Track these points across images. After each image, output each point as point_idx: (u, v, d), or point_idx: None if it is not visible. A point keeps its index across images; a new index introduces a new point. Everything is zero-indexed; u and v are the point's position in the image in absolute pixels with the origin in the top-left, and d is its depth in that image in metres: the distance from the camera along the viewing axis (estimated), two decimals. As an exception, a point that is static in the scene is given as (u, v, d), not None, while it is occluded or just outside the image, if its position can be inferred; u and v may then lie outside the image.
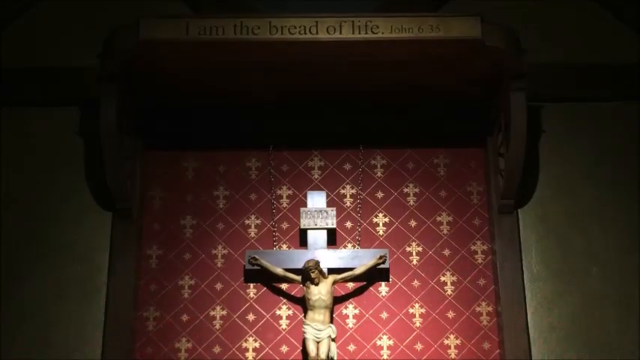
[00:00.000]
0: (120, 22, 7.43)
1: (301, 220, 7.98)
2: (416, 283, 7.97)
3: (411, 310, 7.88)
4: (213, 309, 7.89)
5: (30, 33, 8.56)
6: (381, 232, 8.15)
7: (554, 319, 7.72)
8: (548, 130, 8.31)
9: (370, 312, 7.88)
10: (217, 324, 7.83)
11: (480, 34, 7.24)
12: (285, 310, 7.89)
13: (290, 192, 8.29)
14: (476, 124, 8.35)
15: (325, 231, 7.96)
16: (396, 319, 7.86)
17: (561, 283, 7.84)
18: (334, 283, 7.65)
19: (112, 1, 8.55)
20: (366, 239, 8.12)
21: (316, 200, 8.09)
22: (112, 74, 7.41)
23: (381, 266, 7.82)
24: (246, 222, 8.19)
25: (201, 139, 8.40)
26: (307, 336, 7.45)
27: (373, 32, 7.26)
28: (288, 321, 7.85)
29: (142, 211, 8.18)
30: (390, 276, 7.99)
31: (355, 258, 7.84)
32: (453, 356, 7.73)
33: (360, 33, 7.26)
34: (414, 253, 8.07)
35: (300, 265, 7.66)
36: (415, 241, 8.11)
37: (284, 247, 8.10)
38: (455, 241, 8.12)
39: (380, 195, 8.28)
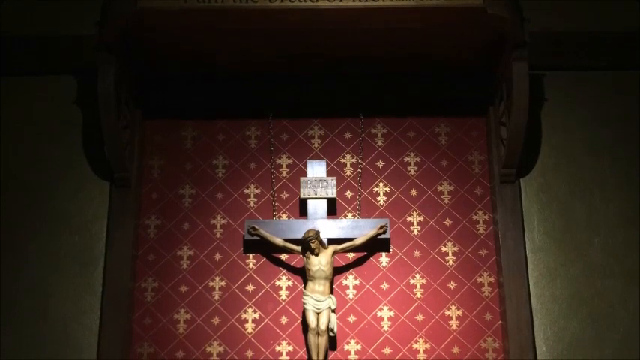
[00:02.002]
0: (118, -11, 7.27)
1: (301, 190, 7.85)
2: (417, 253, 7.85)
3: (412, 281, 7.76)
4: (212, 279, 7.78)
5: (27, 1, 8.39)
6: (381, 202, 8.00)
7: (556, 289, 7.61)
8: (550, 99, 8.16)
9: (371, 282, 7.77)
10: (216, 295, 7.72)
11: (482, 2, 7.10)
12: (284, 281, 7.78)
13: (290, 161, 8.16)
14: (477, 93, 8.21)
15: (325, 201, 7.85)
16: (396, 290, 7.74)
17: (563, 253, 7.72)
18: (334, 253, 7.56)
19: (110, -31, 8.34)
20: (366, 209, 7.99)
21: (316, 169, 7.95)
22: (110, 43, 7.30)
23: (382, 236, 7.70)
24: (246, 191, 8.06)
25: (200, 108, 8.28)
26: (307, 307, 7.36)
27: (374, 0, 7.08)
28: (287, 292, 7.75)
29: (141, 180, 8.06)
30: (391, 246, 7.87)
31: (355, 228, 7.73)
32: (454, 327, 7.64)
33: (360, 1, 7.12)
34: (415, 223, 7.94)
35: (299, 235, 7.56)
36: (416, 211, 7.97)
37: (284, 217, 7.97)
38: (456, 211, 7.98)
39: (380, 164, 8.14)
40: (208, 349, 7.56)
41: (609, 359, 7.40)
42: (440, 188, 8.04)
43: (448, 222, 7.93)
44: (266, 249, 7.77)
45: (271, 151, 8.14)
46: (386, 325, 7.62)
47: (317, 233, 7.48)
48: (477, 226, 7.92)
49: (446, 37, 7.64)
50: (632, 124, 8.11)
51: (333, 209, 7.90)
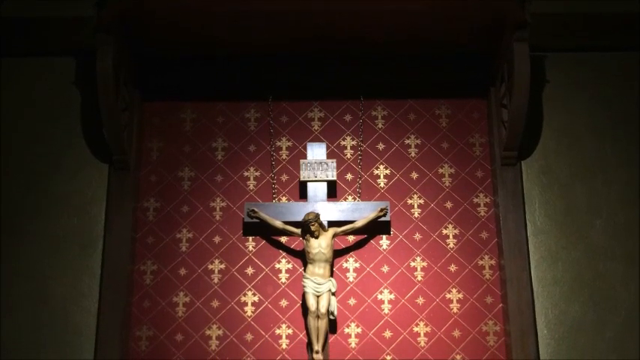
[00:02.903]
0: (117, -30, 7.16)
1: (301, 172, 7.76)
2: (417, 236, 7.77)
3: (412, 264, 7.68)
4: (212, 262, 7.70)
5: (26, -18, 8.30)
6: (382, 185, 7.91)
7: (558, 272, 7.54)
8: (552, 81, 8.06)
9: (371, 265, 7.69)
10: (216, 278, 7.65)
11: (483, -17, 7.02)
12: (284, 264, 7.70)
13: (289, 143, 8.07)
14: (478, 75, 8.11)
15: (325, 183, 7.76)
16: (397, 273, 7.66)
17: (565, 235, 7.64)
18: (334, 236, 7.49)
19: (109, -50, 8.23)
20: (366, 191, 7.90)
21: (316, 152, 7.86)
22: (109, 24, 7.21)
23: (382, 219, 7.63)
24: (245, 174, 7.97)
25: (200, 90, 8.19)
26: (307, 290, 7.29)
27: (374, -18, 7.00)
28: (287, 275, 7.67)
29: (139, 163, 7.98)
30: (391, 229, 7.78)
31: (356, 210, 7.65)
32: (455, 310, 7.57)
33: (360, -18, 7.01)
34: (415, 206, 7.85)
35: (299, 218, 7.48)
36: (417, 194, 7.89)
37: (283, 199, 7.89)
38: (457, 194, 7.90)
39: (381, 146, 8.04)
40: (208, 332, 7.49)
41: (611, 342, 7.32)
42: (440, 170, 7.95)
43: (449, 204, 7.84)
44: (266, 232, 7.68)
45: (271, 134, 8.04)
46: (386, 308, 7.55)
47: (317, 216, 7.40)
48: (478, 208, 7.83)
49: (446, 18, 7.54)
50: (634, 105, 8.02)
51: (333, 192, 7.81)
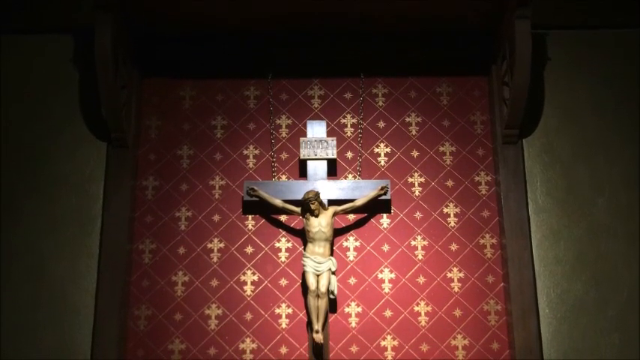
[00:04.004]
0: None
1: (301, 151, 7.65)
2: (418, 214, 7.66)
3: (413, 243, 7.58)
4: (211, 241, 7.60)
5: (25, -41, 8.15)
6: (382, 163, 7.80)
7: (560, 251, 7.43)
8: (553, 59, 7.94)
9: (371, 244, 7.59)
10: (215, 257, 7.55)
11: (485, -41, 6.91)
12: (284, 243, 7.60)
13: (289, 121, 7.95)
14: (479, 53, 8.03)
15: (325, 161, 7.66)
16: (397, 252, 7.57)
17: (566, 214, 7.53)
18: (334, 214, 7.40)
19: None
20: (367, 170, 7.79)
21: (316, 130, 7.75)
22: (108, 1, 7.12)
23: (383, 197, 7.54)
24: (245, 152, 7.85)
25: (199, 68, 8.07)
26: (307, 269, 7.21)
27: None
28: (287, 253, 7.57)
29: (138, 141, 7.88)
30: (392, 207, 7.67)
31: (356, 189, 7.56)
32: (456, 290, 7.47)
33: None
34: (416, 184, 7.74)
35: (299, 197, 7.39)
36: (417, 172, 7.78)
37: (283, 177, 7.77)
38: (458, 172, 7.79)
39: (381, 124, 7.91)
40: (207, 311, 7.38)
41: (613, 321, 7.23)
42: (441, 149, 7.84)
43: (450, 183, 7.73)
44: (265, 210, 7.59)
45: (271, 111, 7.93)
46: (387, 287, 7.45)
47: (317, 194, 7.30)
48: (479, 187, 7.73)
49: (448, -5, 7.45)
50: (635, 83, 7.91)
51: (333, 170, 7.71)
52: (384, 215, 7.64)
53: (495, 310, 7.36)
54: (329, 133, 7.77)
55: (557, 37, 7.95)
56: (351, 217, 7.61)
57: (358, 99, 7.95)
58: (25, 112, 7.77)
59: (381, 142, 7.84)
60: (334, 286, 7.19)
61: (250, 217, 7.63)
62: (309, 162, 7.63)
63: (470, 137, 7.87)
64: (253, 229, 7.60)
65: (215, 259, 7.50)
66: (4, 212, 7.47)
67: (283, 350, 7.29)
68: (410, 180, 7.72)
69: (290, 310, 7.38)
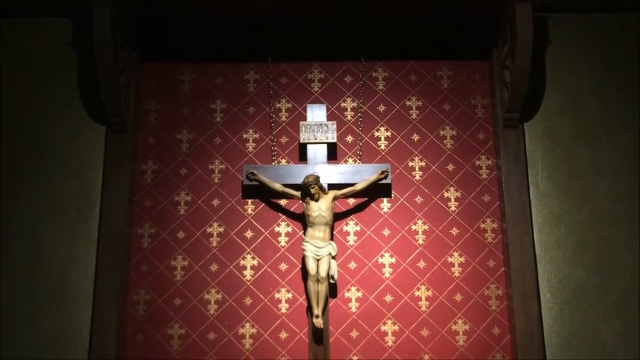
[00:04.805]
0: None
1: (301, 134, 7.56)
2: (419, 199, 7.57)
3: (413, 227, 7.50)
4: (210, 225, 7.52)
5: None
6: (382, 147, 7.71)
7: (561, 235, 7.35)
8: (555, 42, 7.85)
9: (372, 229, 7.51)
10: (214, 241, 7.48)
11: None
12: (284, 227, 7.52)
13: (289, 105, 7.85)
14: (480, 36, 7.94)
15: (325, 145, 7.58)
16: (398, 236, 7.49)
17: (568, 198, 7.46)
18: (334, 198, 7.31)
19: None
20: (367, 154, 7.70)
21: (316, 114, 7.66)
22: None
23: (383, 181, 7.46)
24: (244, 136, 7.76)
25: (198, 51, 7.99)
26: (307, 253, 7.13)
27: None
28: (287, 238, 7.49)
29: (137, 125, 7.79)
30: (392, 192, 7.60)
31: (356, 173, 7.47)
32: (456, 274, 7.39)
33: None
34: (416, 168, 7.65)
35: (299, 181, 7.31)
36: (418, 156, 7.70)
37: (283, 161, 7.69)
38: (459, 156, 7.71)
39: (382, 108, 7.82)
40: (206, 296, 7.30)
41: (614, 306, 7.16)
42: (442, 133, 7.75)
43: (450, 167, 7.65)
44: (265, 194, 7.51)
45: (270, 95, 7.84)
46: (387, 272, 7.37)
47: (317, 178, 7.21)
48: (480, 171, 7.64)
49: (449, -23, 7.33)
50: (637, 66, 7.83)
51: (333, 154, 7.63)
52: (385, 199, 7.56)
53: (496, 295, 7.28)
54: (329, 117, 7.68)
55: (559, 20, 7.87)
56: (352, 201, 7.53)
57: (358, 82, 7.86)
58: (23, 96, 7.69)
59: (382, 125, 7.75)
60: (334, 271, 7.11)
61: (250, 201, 7.55)
62: (309, 146, 7.54)
63: (471, 121, 7.77)
64: (253, 213, 7.51)
65: (214, 244, 7.42)
66: (2, 197, 7.39)
67: (283, 335, 7.20)
68: (410, 164, 7.63)
69: (290, 295, 7.30)
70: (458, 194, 7.54)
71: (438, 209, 7.52)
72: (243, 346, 7.19)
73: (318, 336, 7.05)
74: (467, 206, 7.52)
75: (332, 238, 7.27)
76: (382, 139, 7.70)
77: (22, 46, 7.82)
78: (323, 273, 7.02)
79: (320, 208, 7.14)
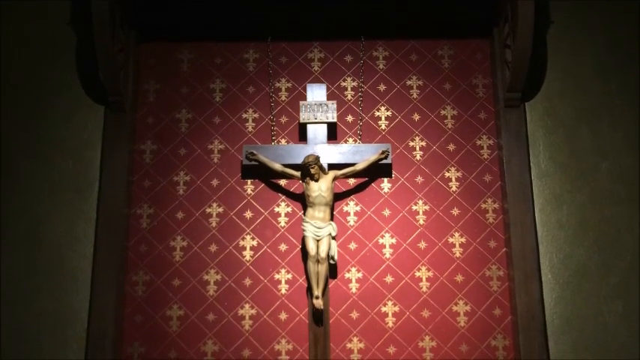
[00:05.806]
0: None
1: (301, 114, 7.44)
2: (419, 179, 7.46)
3: (414, 207, 7.38)
4: (210, 206, 7.41)
5: None
6: (383, 127, 7.58)
7: (563, 216, 7.23)
8: (557, 21, 7.69)
9: (372, 209, 7.39)
10: (213, 221, 7.36)
11: None
12: (283, 207, 7.41)
13: (289, 85, 7.72)
14: (481, 15, 7.80)
15: (325, 125, 7.46)
16: (398, 217, 7.36)
17: (570, 179, 7.33)
18: (335, 179, 7.22)
19: None
20: (367, 134, 7.58)
21: (316, 93, 7.53)
22: None
23: (384, 161, 7.36)
24: (244, 116, 7.64)
25: (197, 30, 7.87)
26: (307, 234, 7.03)
27: None
28: (287, 218, 7.38)
29: (136, 104, 7.67)
30: (393, 172, 7.48)
31: (356, 153, 7.36)
32: (457, 255, 7.27)
33: None
34: (417, 148, 7.53)
35: (299, 161, 7.21)
36: (419, 136, 7.57)
37: (283, 141, 7.56)
38: (460, 136, 7.58)
39: (382, 88, 7.69)
40: (205, 276, 7.19)
41: (615, 287, 7.05)
42: (443, 112, 7.62)
43: (451, 147, 7.53)
44: (265, 175, 7.41)
45: (270, 75, 7.71)
46: (387, 252, 7.26)
47: (317, 158, 7.12)
48: (481, 151, 7.52)
49: (449, -45, 7.18)
50: (639, 46, 7.65)
51: (333, 134, 7.51)
52: (385, 180, 7.44)
53: (497, 276, 7.17)
54: (329, 97, 7.57)
55: (561, -1, 7.70)
56: (352, 181, 7.42)
57: (359, 62, 7.74)
58: (22, 75, 7.58)
59: (382, 105, 7.62)
60: (334, 252, 7.01)
61: (249, 181, 7.44)
62: (308, 126, 7.43)
63: (472, 100, 7.66)
64: (252, 193, 7.40)
65: (214, 224, 7.31)
66: (1, 177, 7.28)
67: (283, 316, 7.09)
68: (411, 144, 7.51)
69: (290, 276, 7.19)
70: (459, 174, 7.42)
71: (438, 189, 7.39)
72: (242, 327, 7.07)
73: (318, 317, 6.95)
74: (468, 186, 7.40)
75: (332, 218, 7.16)
76: (382, 118, 7.57)
77: (20, 26, 7.66)
78: (323, 254, 6.92)
79: (320, 189, 7.03)
